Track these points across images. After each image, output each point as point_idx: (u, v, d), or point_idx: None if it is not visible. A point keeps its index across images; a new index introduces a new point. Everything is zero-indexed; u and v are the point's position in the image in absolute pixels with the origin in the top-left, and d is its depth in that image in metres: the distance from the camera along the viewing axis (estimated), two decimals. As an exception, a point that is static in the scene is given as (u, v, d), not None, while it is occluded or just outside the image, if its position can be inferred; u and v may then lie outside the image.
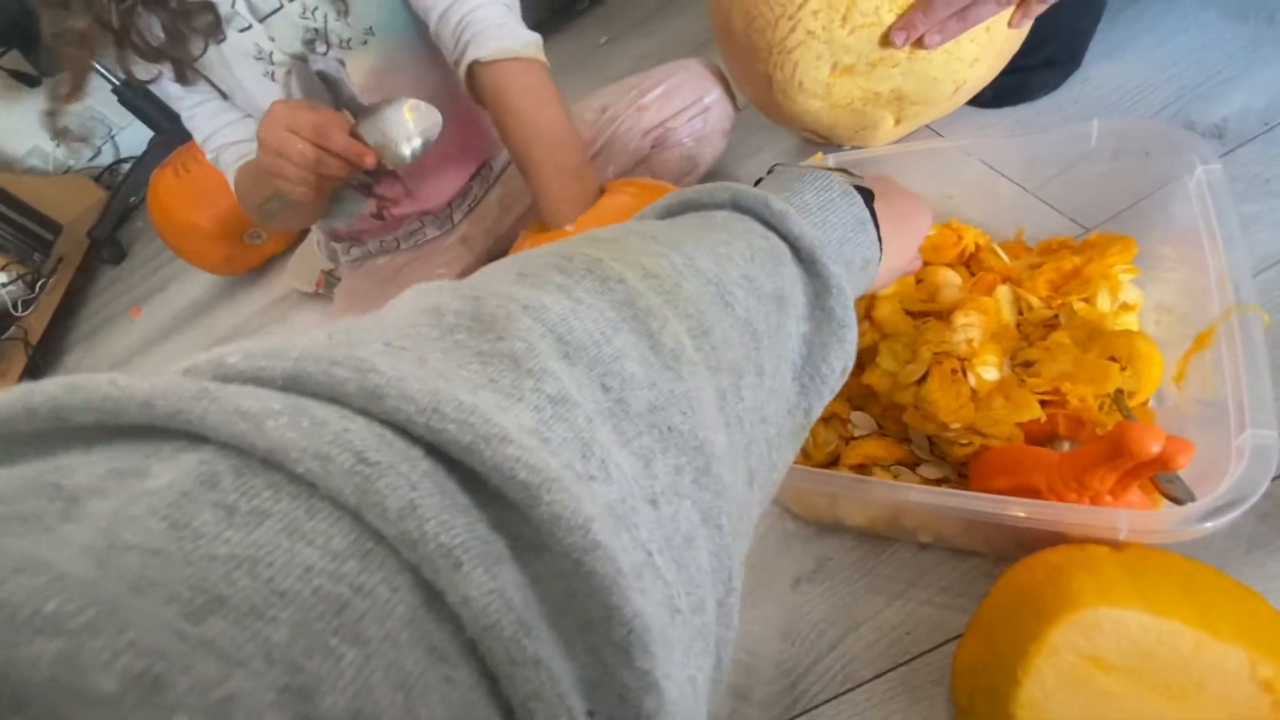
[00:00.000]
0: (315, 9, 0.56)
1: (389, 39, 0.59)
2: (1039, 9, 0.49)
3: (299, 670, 0.09)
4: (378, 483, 0.11)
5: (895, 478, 0.45)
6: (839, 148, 0.63)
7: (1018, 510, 0.33)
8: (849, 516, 0.46)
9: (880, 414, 0.47)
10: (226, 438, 0.11)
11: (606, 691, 0.12)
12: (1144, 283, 0.46)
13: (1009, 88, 0.60)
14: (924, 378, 0.43)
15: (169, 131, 1.57)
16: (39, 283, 1.54)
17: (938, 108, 0.58)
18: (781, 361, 0.23)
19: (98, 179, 1.91)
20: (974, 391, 0.42)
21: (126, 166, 1.88)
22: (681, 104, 0.68)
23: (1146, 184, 0.45)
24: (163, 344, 1.26)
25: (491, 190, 0.76)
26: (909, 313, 0.48)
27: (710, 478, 0.17)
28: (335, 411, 0.11)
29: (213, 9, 0.56)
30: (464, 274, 0.75)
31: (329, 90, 0.59)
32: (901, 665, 0.41)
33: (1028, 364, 0.44)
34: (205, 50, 0.58)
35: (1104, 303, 0.44)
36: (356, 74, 0.60)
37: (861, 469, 0.46)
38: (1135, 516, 0.31)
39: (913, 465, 0.46)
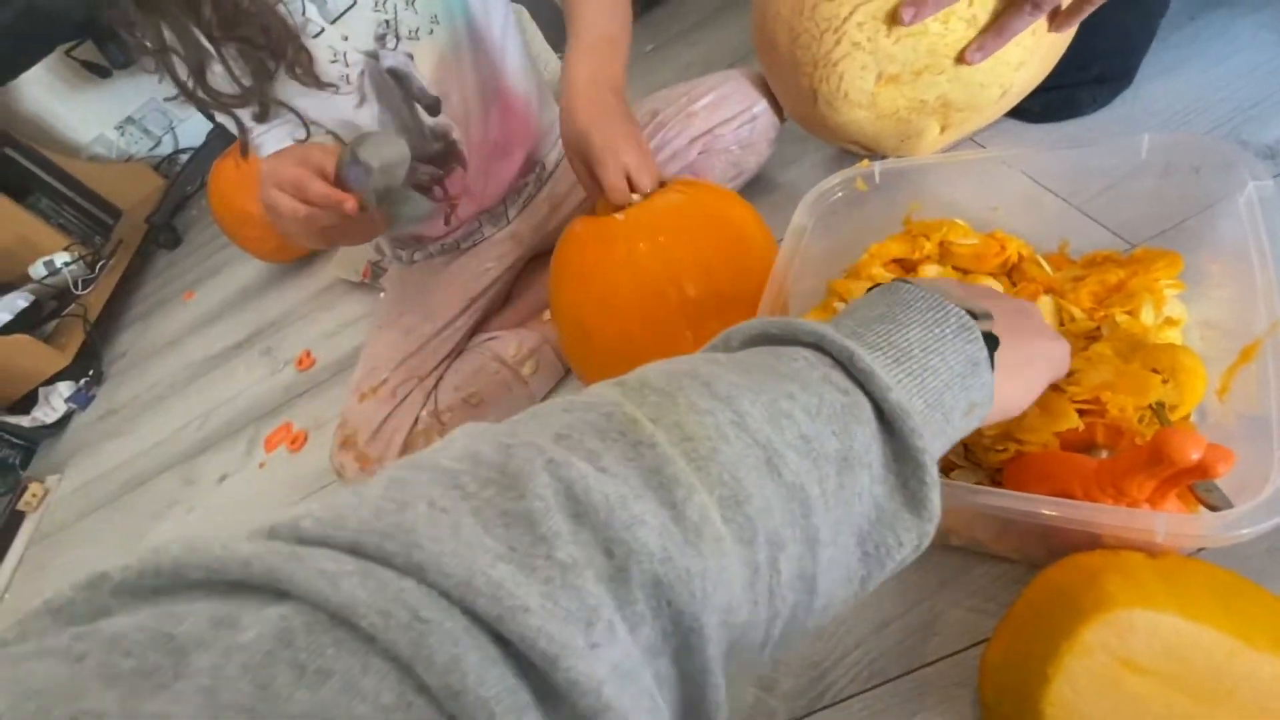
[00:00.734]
0: (386, 1, 0.58)
1: (452, 26, 0.62)
2: (1084, 12, 0.48)
3: None
4: (429, 638, 0.13)
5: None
6: (881, 157, 0.63)
7: (1053, 510, 0.33)
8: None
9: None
10: (306, 593, 0.13)
11: None
12: (1190, 299, 0.46)
13: (1058, 103, 0.61)
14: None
15: (227, 124, 1.64)
16: (99, 264, 1.62)
17: (983, 114, 0.58)
18: (843, 525, 0.22)
19: (157, 168, 2.00)
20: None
21: (185, 157, 1.97)
22: (730, 112, 0.70)
23: (1195, 201, 0.45)
24: (213, 326, 1.31)
25: (543, 188, 0.78)
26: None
27: (700, 656, 0.17)
28: (393, 573, 0.14)
29: (307, 52, 0.56)
30: (512, 268, 0.77)
31: (399, 85, 0.61)
32: (927, 665, 0.41)
33: (1068, 374, 0.44)
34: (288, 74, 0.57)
35: (1148, 316, 0.44)
36: (424, 64, 0.61)
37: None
38: (1173, 520, 0.31)
39: (946, 470, 0.46)
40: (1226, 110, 0.56)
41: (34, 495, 1.15)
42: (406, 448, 0.65)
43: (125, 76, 1.83)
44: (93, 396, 1.37)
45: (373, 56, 0.60)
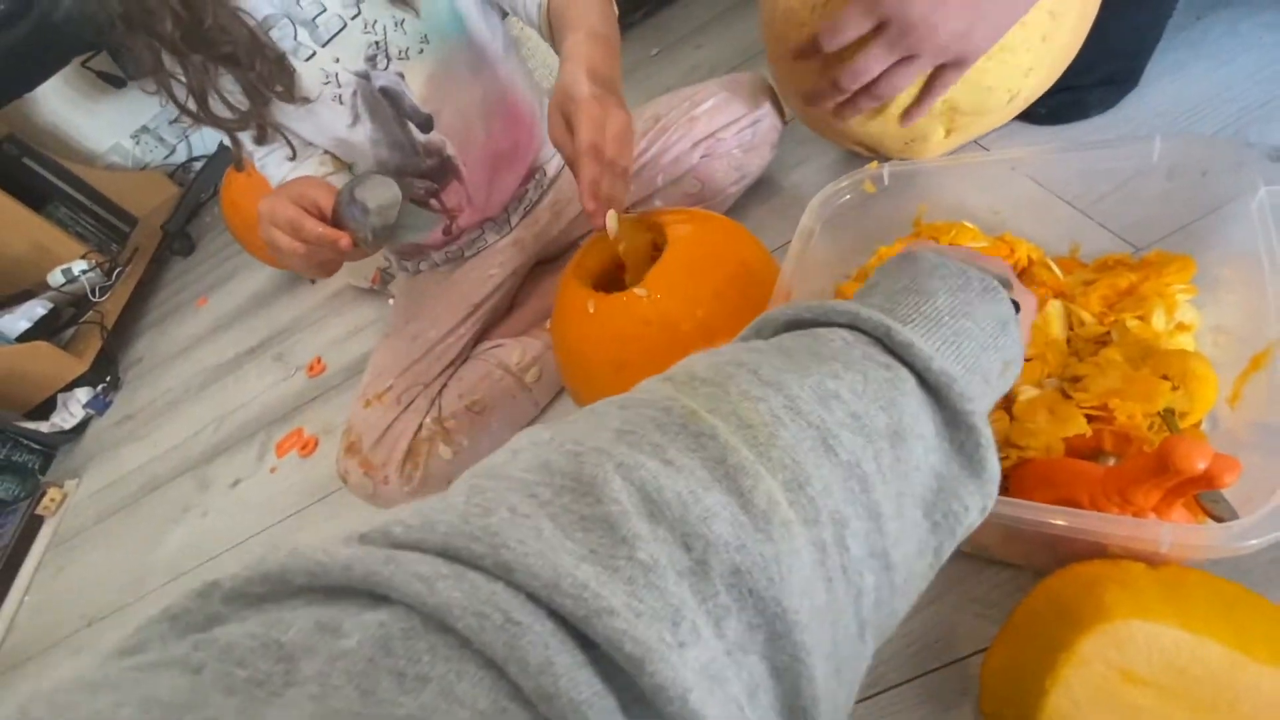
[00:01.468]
0: (375, 22, 0.59)
1: (443, 45, 0.62)
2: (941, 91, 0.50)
3: None
4: (521, 640, 0.13)
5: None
6: (886, 159, 0.63)
7: (1058, 519, 0.33)
8: (885, 524, 0.46)
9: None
10: (404, 596, 0.14)
11: None
12: (1201, 304, 0.45)
13: (1065, 105, 0.60)
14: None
15: (240, 132, 1.66)
16: (115, 271, 1.64)
17: (990, 118, 0.58)
18: (905, 498, 0.21)
19: (171, 175, 2.03)
20: (1006, 403, 0.42)
21: (199, 165, 2.00)
22: (732, 116, 0.70)
23: (1203, 204, 0.44)
24: (226, 332, 1.33)
25: (545, 195, 0.78)
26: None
27: (788, 642, 0.17)
28: (483, 576, 0.14)
29: (289, 70, 0.58)
30: (515, 274, 0.77)
31: (391, 104, 0.62)
32: (930, 672, 0.41)
33: (1076, 379, 0.44)
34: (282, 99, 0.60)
35: (1159, 321, 0.44)
36: (415, 83, 0.62)
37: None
38: (1178, 530, 0.31)
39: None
40: (1233, 111, 0.55)
41: (52, 500, 1.17)
42: (410, 454, 0.66)
43: (140, 86, 1.86)
44: (110, 402, 1.39)
45: (364, 77, 0.61)
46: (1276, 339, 0.35)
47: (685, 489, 0.17)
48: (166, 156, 2.08)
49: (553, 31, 0.57)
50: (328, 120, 0.62)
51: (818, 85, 0.52)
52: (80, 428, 1.35)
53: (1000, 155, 0.51)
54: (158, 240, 1.76)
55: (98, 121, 1.96)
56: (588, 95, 0.47)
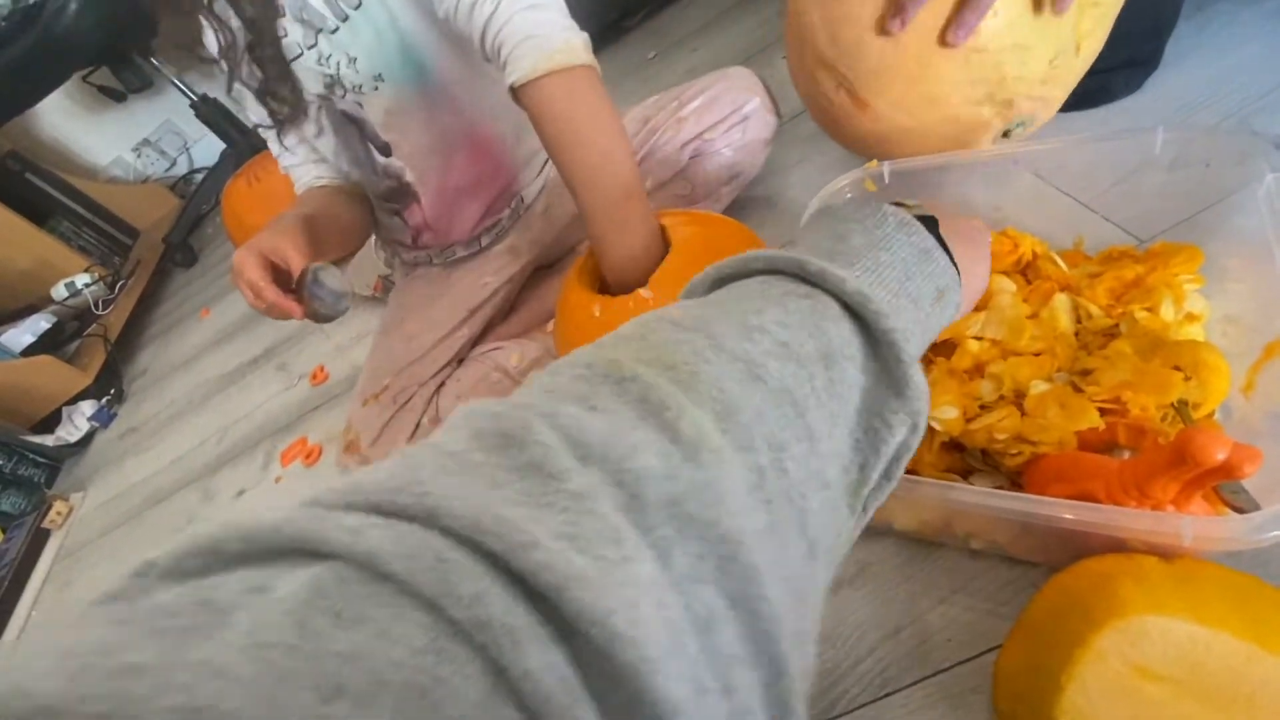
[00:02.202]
0: (329, 56, 0.59)
1: (397, 85, 0.61)
2: None
3: None
4: (452, 575, 0.13)
5: (946, 486, 0.45)
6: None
7: (1074, 514, 0.32)
8: (898, 519, 0.46)
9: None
10: (336, 547, 0.14)
11: None
12: (1210, 294, 0.44)
13: (1091, 91, 0.58)
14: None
15: (240, 144, 1.67)
16: (118, 284, 1.64)
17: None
18: (838, 419, 0.22)
19: (173, 188, 2.04)
20: (1017, 399, 0.41)
21: (200, 176, 2.00)
22: (719, 115, 0.69)
23: (1208, 194, 0.44)
24: (229, 343, 1.33)
25: (538, 200, 0.78)
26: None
27: (737, 565, 0.17)
28: (413, 525, 0.14)
29: (299, 91, 0.61)
30: (511, 281, 0.77)
31: (354, 126, 0.64)
32: (942, 672, 0.40)
33: (1086, 372, 0.43)
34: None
35: (1168, 312, 0.43)
36: (374, 115, 0.63)
37: (912, 474, 0.46)
38: (1199, 523, 0.30)
39: (965, 474, 0.45)
40: (1237, 101, 0.55)
41: (58, 513, 1.17)
42: (408, 452, 0.66)
43: (140, 100, 1.87)
44: (114, 414, 1.39)
45: (326, 99, 0.62)
46: (1290, 327, 0.34)
47: (610, 429, 0.18)
48: (168, 169, 2.09)
49: (535, 126, 0.53)
50: (300, 126, 0.65)
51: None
52: (85, 441, 1.35)
53: (1000, 150, 0.51)
54: (160, 252, 1.77)
55: (99, 135, 1.97)
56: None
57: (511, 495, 0.16)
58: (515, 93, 0.51)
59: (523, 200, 0.77)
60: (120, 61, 1.61)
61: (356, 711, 0.11)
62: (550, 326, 0.76)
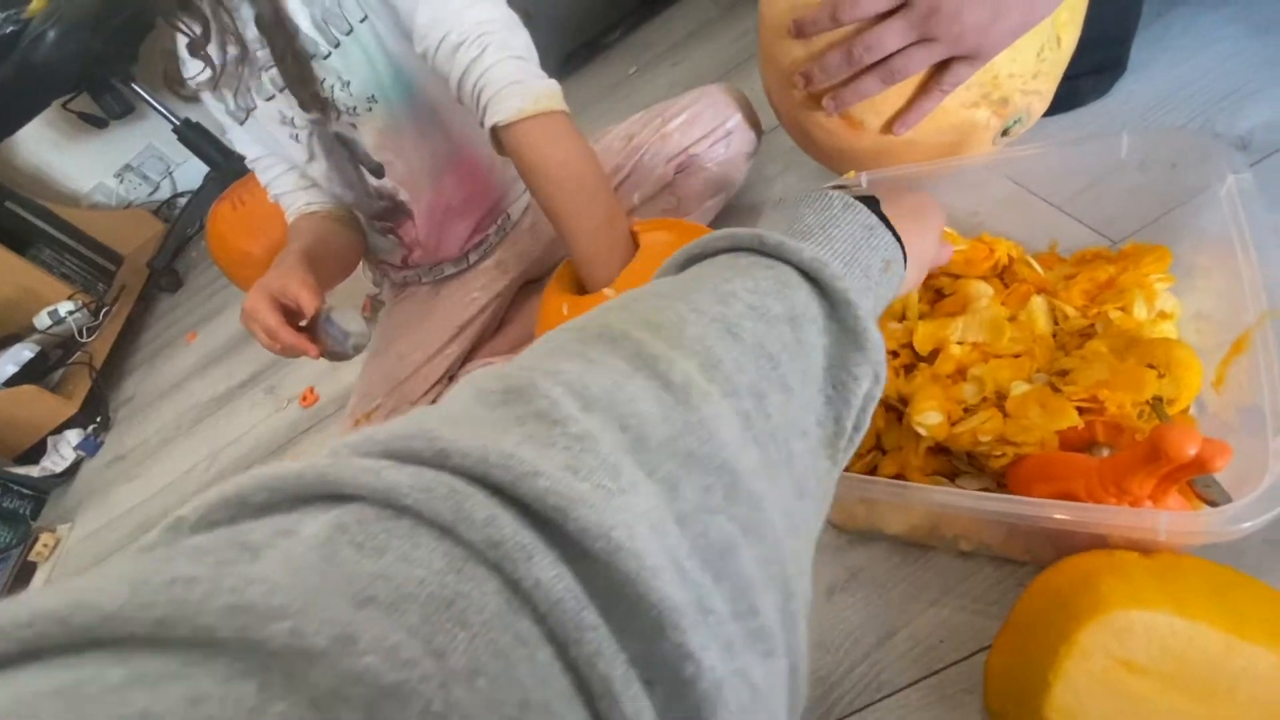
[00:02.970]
0: (324, 80, 0.60)
1: (390, 106, 0.63)
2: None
3: (431, 641, 0.12)
4: (466, 503, 0.14)
5: (933, 488, 0.46)
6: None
7: (1054, 513, 0.33)
8: (887, 524, 0.47)
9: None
10: (355, 488, 0.15)
11: (654, 662, 0.15)
12: (1181, 291, 0.46)
13: (1062, 94, 0.59)
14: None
15: (223, 167, 1.66)
16: (102, 310, 1.63)
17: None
18: (808, 376, 0.24)
19: (156, 212, 2.03)
20: (999, 400, 0.42)
21: (184, 200, 1.99)
22: (703, 130, 0.70)
23: (1174, 195, 0.45)
24: (216, 366, 1.32)
25: (524, 216, 0.79)
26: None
27: (741, 491, 0.18)
28: (425, 467, 0.15)
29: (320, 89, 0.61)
30: (499, 296, 0.78)
31: (345, 148, 0.64)
32: (935, 674, 0.41)
33: (1064, 373, 0.44)
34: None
35: (1140, 311, 0.44)
36: (367, 136, 0.64)
37: (899, 479, 0.46)
38: (1174, 517, 0.31)
39: (951, 476, 0.46)
40: (1200, 103, 0.57)
41: (45, 545, 1.15)
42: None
43: (122, 125, 1.86)
44: (101, 443, 1.37)
45: (319, 123, 0.62)
46: (1254, 323, 0.36)
47: (609, 380, 0.19)
48: (151, 193, 2.08)
49: (517, 163, 0.55)
50: (287, 150, 0.65)
51: (825, 59, 0.49)
52: (71, 470, 1.34)
53: (973, 158, 0.52)
54: (144, 278, 1.75)
55: (80, 162, 1.96)
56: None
57: (517, 437, 0.17)
58: (497, 133, 0.54)
59: (509, 217, 0.78)
60: (100, 88, 1.61)
61: (386, 617, 0.12)
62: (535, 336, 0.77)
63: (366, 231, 0.75)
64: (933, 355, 0.48)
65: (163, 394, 1.38)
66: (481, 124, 0.55)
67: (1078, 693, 0.30)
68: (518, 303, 0.81)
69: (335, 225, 0.70)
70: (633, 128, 0.74)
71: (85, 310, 1.61)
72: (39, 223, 1.73)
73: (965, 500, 0.36)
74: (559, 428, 0.17)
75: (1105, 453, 0.41)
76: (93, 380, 1.43)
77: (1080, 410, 0.41)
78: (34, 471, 1.30)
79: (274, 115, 0.63)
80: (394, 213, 0.71)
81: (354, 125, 0.63)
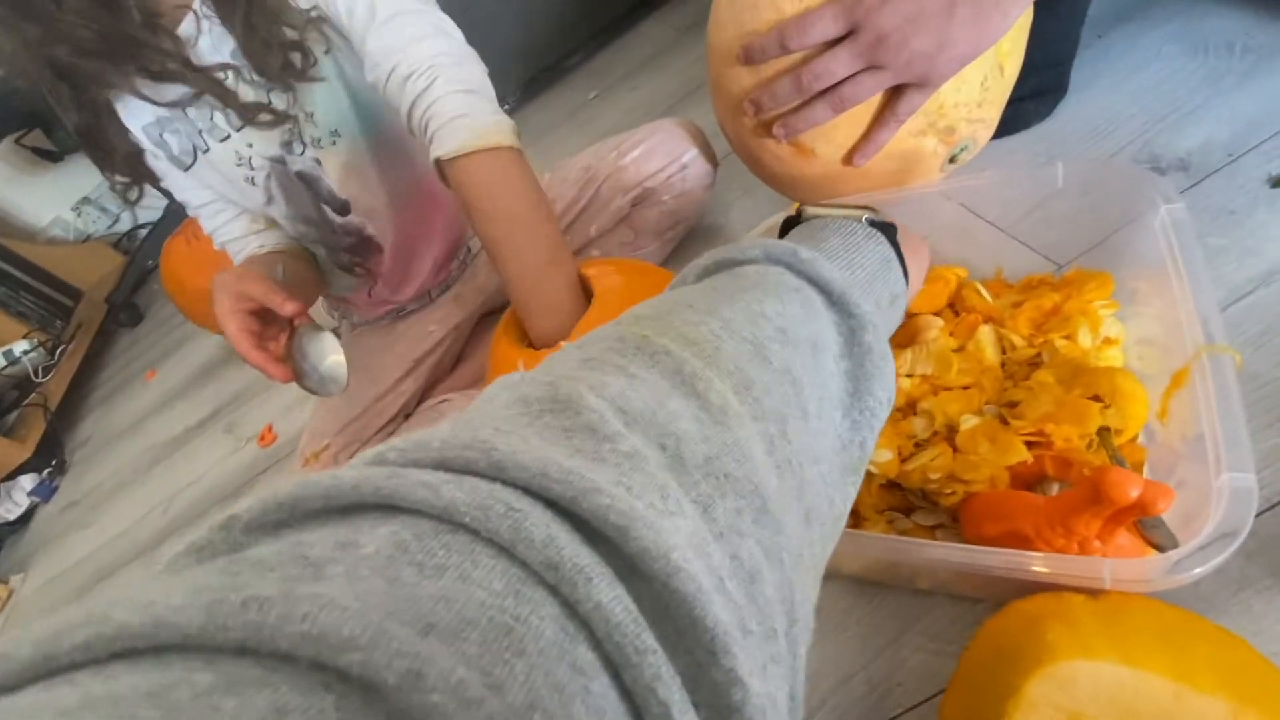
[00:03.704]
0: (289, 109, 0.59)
1: (352, 139, 0.62)
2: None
3: (490, 673, 0.12)
4: (524, 523, 0.14)
5: (890, 523, 0.45)
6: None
7: (998, 561, 0.32)
8: (844, 564, 0.46)
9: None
10: (412, 503, 0.15)
11: (702, 686, 0.15)
12: (1125, 317, 0.46)
13: (1007, 118, 0.60)
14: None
15: (183, 198, 1.63)
16: (59, 349, 1.59)
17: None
18: (825, 401, 0.24)
19: (116, 245, 1.98)
20: (949, 434, 0.42)
21: (144, 232, 1.95)
22: (660, 163, 0.70)
23: (1114, 221, 0.45)
24: (175, 405, 1.28)
25: (468, 268, 0.77)
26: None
27: (768, 516, 0.19)
28: (481, 479, 0.15)
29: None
30: (456, 329, 0.76)
31: (307, 188, 0.62)
32: (895, 718, 0.40)
33: (1013, 404, 0.44)
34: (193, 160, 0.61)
35: (1085, 339, 0.44)
36: (331, 170, 0.62)
37: (855, 514, 0.46)
38: (1118, 566, 0.31)
39: (906, 511, 0.45)
40: (1140, 124, 0.57)
41: (-5, 599, 1.11)
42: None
43: (78, 159, 1.82)
44: (55, 487, 1.33)
45: (279, 161, 0.60)
46: (1191, 358, 0.35)
47: (651, 397, 0.19)
48: (110, 226, 2.03)
49: (461, 198, 0.54)
50: (239, 195, 0.63)
51: (774, 87, 0.49)
52: (25, 517, 1.29)
53: (923, 186, 0.52)
54: (103, 313, 1.71)
55: (36, 197, 1.91)
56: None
57: (569, 451, 0.17)
58: (441, 166, 0.52)
59: (469, 250, 0.77)
60: (53, 122, 1.58)
61: (448, 646, 0.12)
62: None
63: (327, 270, 0.73)
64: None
65: (120, 435, 1.34)
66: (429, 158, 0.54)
67: (1026, 750, 0.29)
68: (475, 339, 0.80)
69: (289, 260, 0.68)
70: (589, 159, 0.74)
71: (41, 349, 1.56)
72: (-8, 261, 1.68)
73: (913, 549, 0.35)
74: (608, 444, 0.17)
75: (1055, 488, 0.40)
76: (47, 422, 1.39)
77: (1029, 444, 0.41)
78: (-15, 521, 1.26)
79: (228, 157, 0.61)
80: (361, 247, 0.69)
81: (318, 161, 0.61)
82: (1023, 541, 0.36)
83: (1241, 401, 0.32)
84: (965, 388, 0.45)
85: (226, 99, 0.55)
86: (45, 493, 1.31)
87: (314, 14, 0.55)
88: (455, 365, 0.79)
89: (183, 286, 1.14)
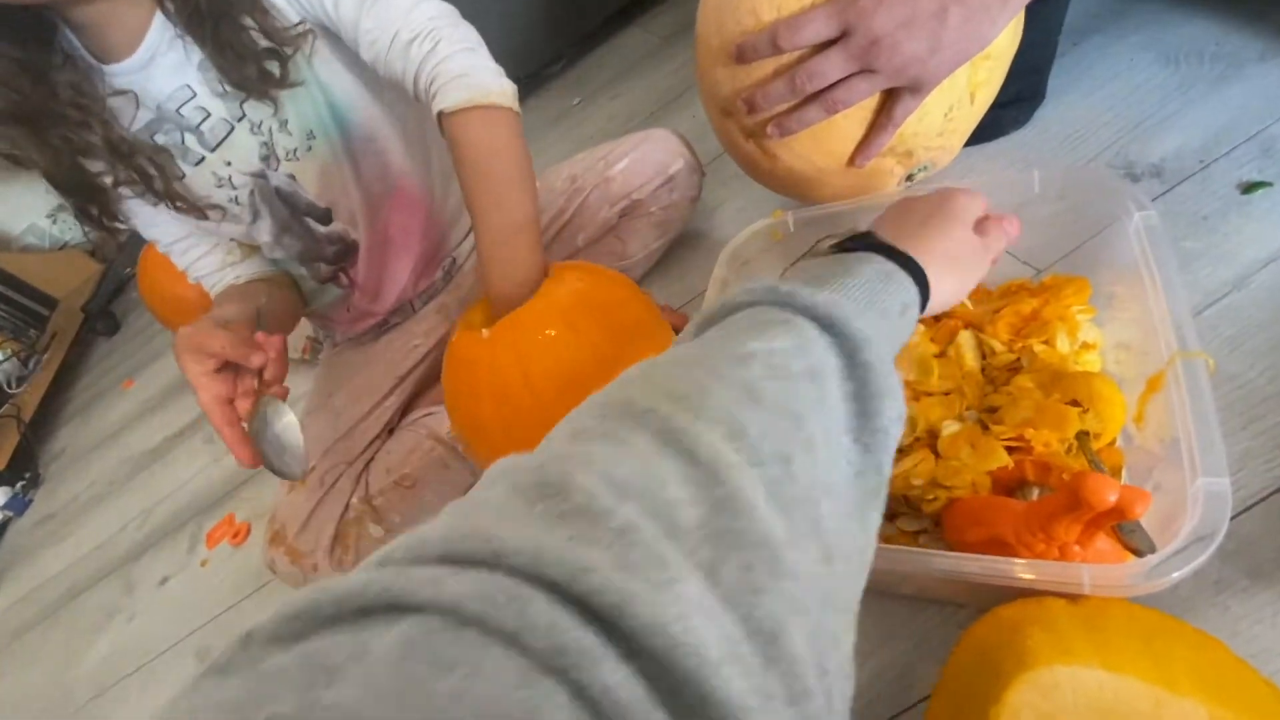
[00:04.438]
0: (261, 123, 0.58)
1: (328, 138, 0.60)
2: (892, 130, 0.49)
3: None
4: (528, 609, 0.15)
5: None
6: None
7: (980, 568, 0.32)
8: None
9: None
10: (419, 600, 0.15)
11: None
12: (1102, 321, 0.46)
13: (985, 125, 0.61)
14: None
15: (161, 205, 1.61)
16: (33, 359, 1.55)
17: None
18: (832, 430, 0.24)
19: (93, 253, 1.94)
20: (931, 440, 0.42)
21: (122, 239, 1.92)
22: (647, 175, 0.69)
23: (1090, 226, 0.46)
24: (153, 415, 1.26)
25: (469, 260, 0.76)
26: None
27: (782, 565, 0.18)
28: (481, 569, 0.16)
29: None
30: (442, 341, 0.75)
31: (286, 204, 0.61)
32: (885, 726, 0.40)
33: (993, 409, 0.44)
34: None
35: (1063, 344, 0.45)
36: (308, 179, 0.61)
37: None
38: (1097, 571, 0.31)
39: (890, 517, 0.45)
40: (1114, 132, 0.58)
41: (-34, 616, 1.08)
42: (338, 538, 0.62)
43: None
44: (30, 501, 1.30)
45: (260, 176, 0.59)
46: (1166, 364, 0.36)
47: (639, 464, 0.19)
48: (87, 233, 1.99)
49: (453, 152, 0.54)
50: (230, 215, 0.61)
51: (768, 87, 0.49)
52: (-2, 532, 1.26)
53: (901, 192, 0.52)
54: (79, 322, 1.68)
55: (10, 204, 1.87)
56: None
57: (564, 537, 0.17)
58: (441, 119, 0.53)
59: (455, 261, 0.76)
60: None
61: None
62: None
63: (306, 289, 0.72)
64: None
65: (96, 446, 1.31)
66: (431, 112, 0.54)
67: (1009, 757, 0.29)
68: (459, 348, 0.79)
69: (268, 287, 0.66)
70: (575, 168, 0.73)
71: (15, 359, 1.53)
72: (-37, 270, 1.64)
73: (896, 556, 0.35)
74: (601, 522, 0.17)
75: (1036, 492, 0.41)
76: (21, 435, 1.36)
77: (1010, 449, 0.41)
78: (-45, 536, 1.22)
79: (207, 180, 0.59)
80: (346, 254, 0.68)
81: (293, 176, 0.60)
82: (1004, 547, 0.36)
83: (1215, 406, 0.32)
84: (946, 393, 0.46)
85: (166, 170, 0.55)
86: (18, 506, 1.28)
87: (302, 28, 0.54)
88: (439, 378, 0.78)
89: (161, 295, 1.12)
